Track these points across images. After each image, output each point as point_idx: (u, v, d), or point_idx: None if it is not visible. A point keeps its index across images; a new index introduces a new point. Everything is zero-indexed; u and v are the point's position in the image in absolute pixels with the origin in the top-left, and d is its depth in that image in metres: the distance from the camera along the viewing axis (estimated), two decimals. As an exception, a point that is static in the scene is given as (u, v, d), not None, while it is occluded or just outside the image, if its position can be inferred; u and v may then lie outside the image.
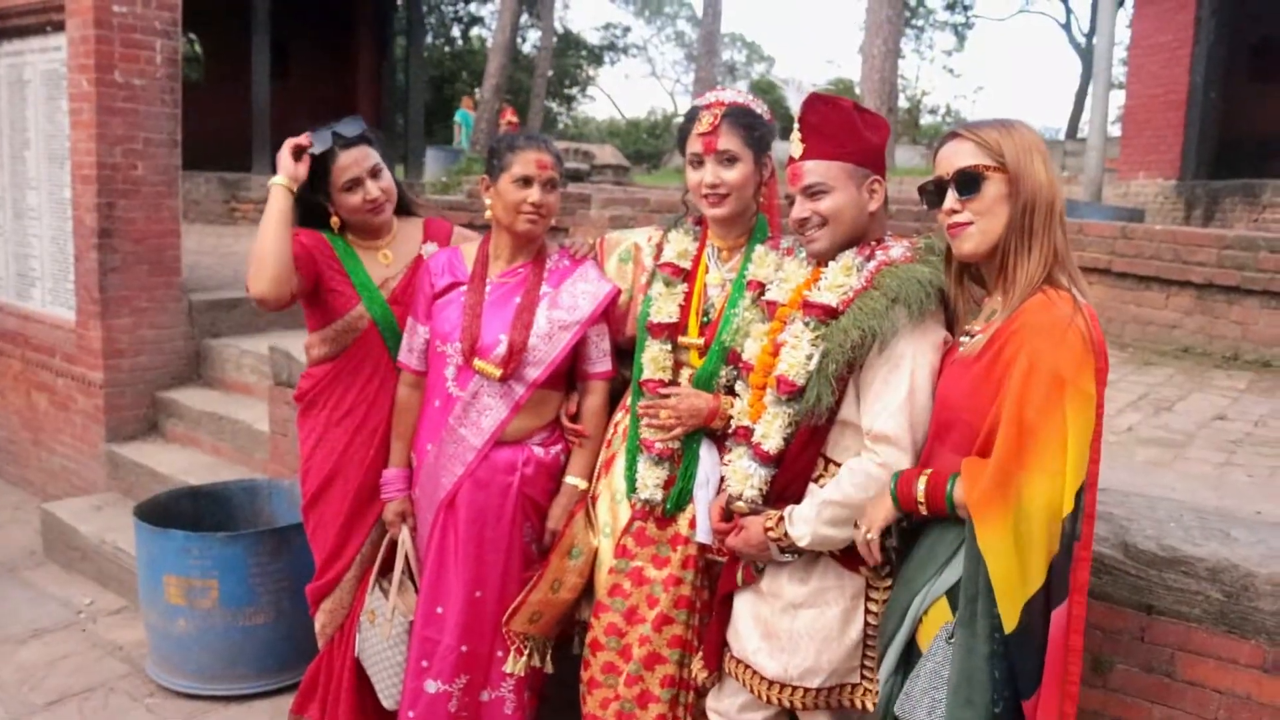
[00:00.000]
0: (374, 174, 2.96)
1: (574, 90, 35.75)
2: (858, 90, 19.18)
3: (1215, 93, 11.95)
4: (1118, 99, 17.34)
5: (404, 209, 3.17)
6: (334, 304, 2.99)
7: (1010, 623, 1.89)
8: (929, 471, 2.07)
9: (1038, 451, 1.88)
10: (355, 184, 2.93)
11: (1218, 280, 6.04)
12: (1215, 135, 12.17)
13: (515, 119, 20.76)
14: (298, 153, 2.87)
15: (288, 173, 2.86)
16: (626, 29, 40.29)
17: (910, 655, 2.13)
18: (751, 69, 50.42)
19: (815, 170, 2.31)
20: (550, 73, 26.96)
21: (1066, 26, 28.41)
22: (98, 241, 5.35)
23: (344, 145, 2.92)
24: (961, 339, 2.17)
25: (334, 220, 3.01)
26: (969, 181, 2.03)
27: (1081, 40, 28.07)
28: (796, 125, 2.35)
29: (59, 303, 5.95)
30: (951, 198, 2.07)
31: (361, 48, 15.06)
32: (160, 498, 4.19)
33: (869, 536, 2.14)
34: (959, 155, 2.06)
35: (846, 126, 2.32)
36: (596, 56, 36.65)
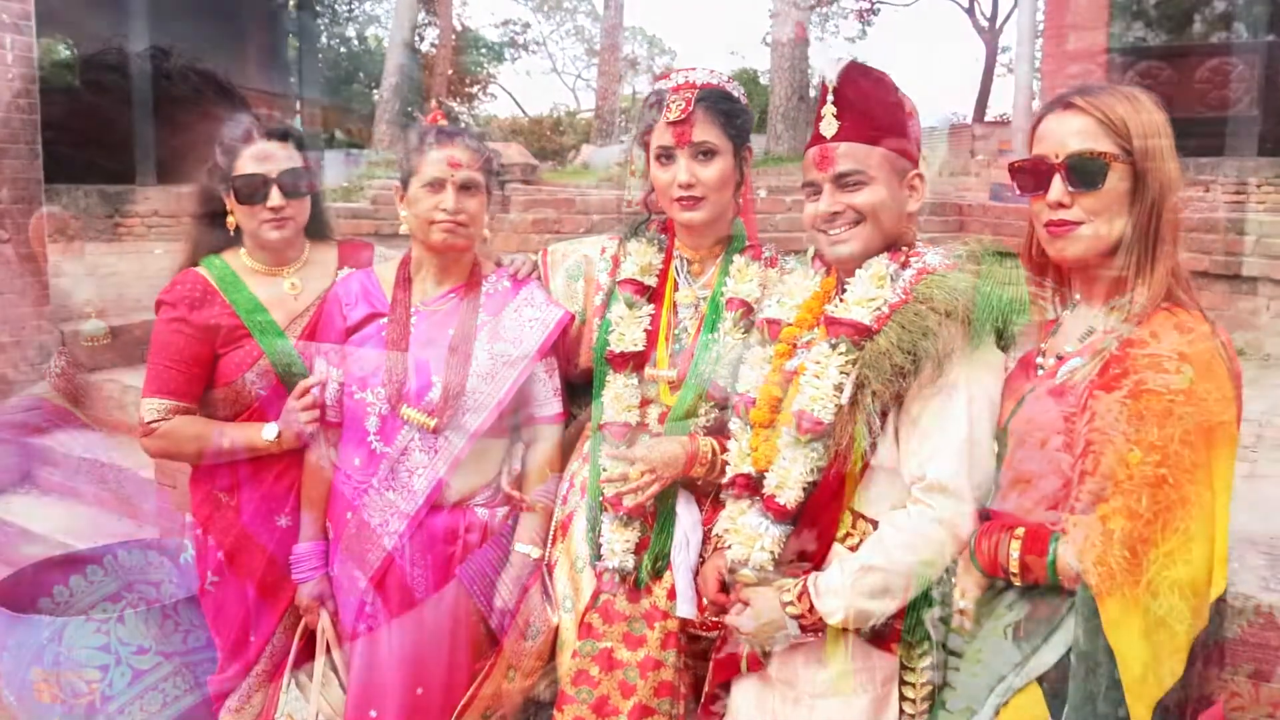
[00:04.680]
0: (285, 182, 2.45)
1: (475, 89, 35.05)
2: (765, 80, 19.06)
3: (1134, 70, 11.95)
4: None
5: (318, 231, 2.65)
6: (228, 367, 2.48)
7: None
8: (1021, 531, 1.67)
9: (1182, 514, 1.51)
10: (259, 183, 2.43)
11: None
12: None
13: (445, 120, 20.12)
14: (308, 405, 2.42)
15: (292, 428, 2.43)
16: (525, 25, 39.72)
17: None
18: (654, 62, 50.26)
19: (853, 155, 1.92)
20: (450, 71, 26.23)
21: (970, 10, 28.63)
22: (-53, 269, 4.72)
23: (265, 134, 2.47)
24: (1039, 360, 1.79)
25: (229, 221, 2.50)
26: (1088, 172, 1.63)
27: (984, 24, 28.34)
28: (831, 99, 1.94)
29: (-94, 340, 5.24)
30: (1059, 188, 1.67)
31: (250, 49, 14.25)
32: (25, 571, 3.54)
33: (963, 604, 1.77)
34: (1074, 134, 1.66)
35: (889, 106, 1.95)
36: (497, 54, 36.02)
